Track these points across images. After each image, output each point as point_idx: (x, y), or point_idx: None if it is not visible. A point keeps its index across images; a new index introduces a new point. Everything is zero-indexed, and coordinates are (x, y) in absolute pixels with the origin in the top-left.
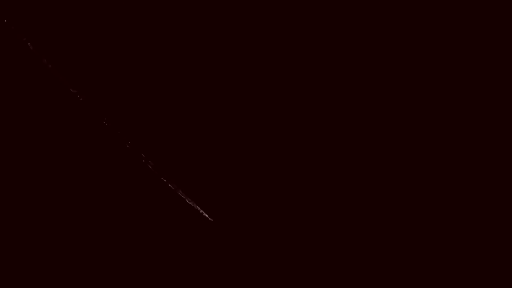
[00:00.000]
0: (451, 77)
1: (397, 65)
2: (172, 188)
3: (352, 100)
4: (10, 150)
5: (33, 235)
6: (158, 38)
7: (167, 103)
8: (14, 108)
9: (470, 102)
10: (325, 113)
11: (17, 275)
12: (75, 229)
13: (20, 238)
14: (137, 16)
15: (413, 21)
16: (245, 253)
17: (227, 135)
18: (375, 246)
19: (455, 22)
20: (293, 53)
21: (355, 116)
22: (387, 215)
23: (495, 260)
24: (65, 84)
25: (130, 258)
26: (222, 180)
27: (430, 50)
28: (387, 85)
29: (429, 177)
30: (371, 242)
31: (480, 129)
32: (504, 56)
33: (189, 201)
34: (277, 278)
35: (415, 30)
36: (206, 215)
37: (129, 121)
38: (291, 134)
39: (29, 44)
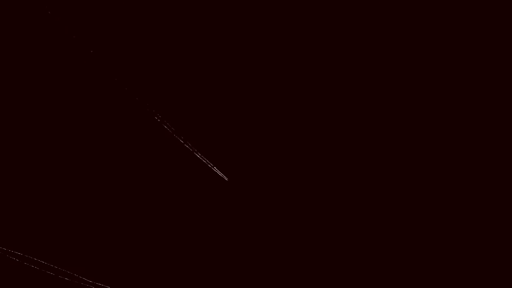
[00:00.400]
0: (451, 77)
1: (397, 65)
2: (192, 150)
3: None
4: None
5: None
6: (168, 35)
7: (188, 77)
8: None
9: (470, 102)
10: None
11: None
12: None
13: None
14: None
15: (413, 21)
16: (256, 208)
17: (241, 102)
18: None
19: (455, 22)
20: (301, 53)
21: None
22: (389, 212)
23: (495, 260)
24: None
25: (153, 208)
26: (236, 143)
27: (430, 50)
28: (388, 86)
29: (429, 177)
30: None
31: (480, 129)
32: (504, 56)
33: (207, 162)
34: (285, 233)
35: (415, 30)
36: (222, 174)
37: (157, 93)
38: (298, 102)
39: (74, 37)
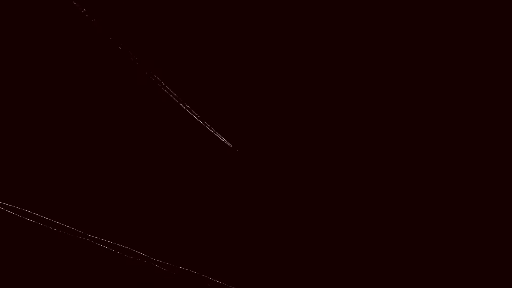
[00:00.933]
0: (451, 77)
1: (397, 66)
2: (197, 118)
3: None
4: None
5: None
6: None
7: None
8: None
9: (470, 102)
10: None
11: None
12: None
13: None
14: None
15: (413, 21)
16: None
17: (245, 70)
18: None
19: (455, 22)
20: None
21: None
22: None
23: (495, 260)
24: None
25: (158, 177)
26: (240, 111)
27: (430, 50)
28: (388, 86)
29: (429, 177)
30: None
31: (480, 129)
32: (504, 56)
33: (210, 129)
34: (288, 199)
35: (415, 30)
36: (226, 141)
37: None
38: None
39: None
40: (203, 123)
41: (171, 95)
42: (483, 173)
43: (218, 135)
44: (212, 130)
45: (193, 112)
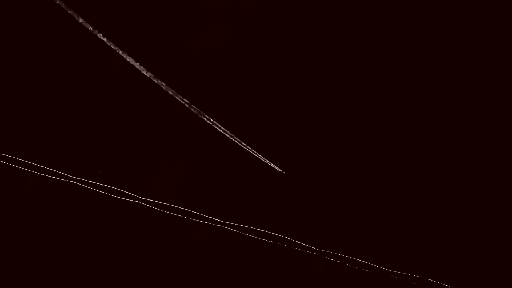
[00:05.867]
0: (451, 77)
1: (398, 66)
2: (244, 147)
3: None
4: None
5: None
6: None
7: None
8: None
9: (470, 102)
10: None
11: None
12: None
13: None
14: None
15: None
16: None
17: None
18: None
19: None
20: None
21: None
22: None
23: (495, 259)
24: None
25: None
26: (289, 139)
27: (430, 50)
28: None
29: (430, 177)
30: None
31: (480, 129)
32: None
33: (259, 156)
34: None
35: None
36: (277, 168)
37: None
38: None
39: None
40: (256, 154)
41: (224, 132)
42: (481, 170)
43: (270, 163)
44: (265, 159)
45: (246, 145)
